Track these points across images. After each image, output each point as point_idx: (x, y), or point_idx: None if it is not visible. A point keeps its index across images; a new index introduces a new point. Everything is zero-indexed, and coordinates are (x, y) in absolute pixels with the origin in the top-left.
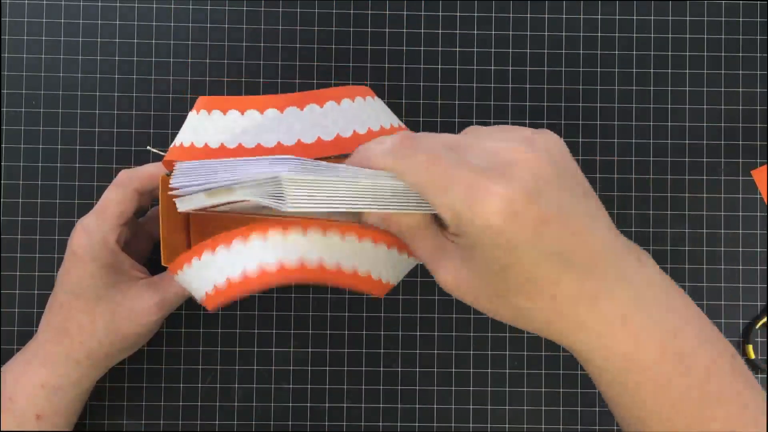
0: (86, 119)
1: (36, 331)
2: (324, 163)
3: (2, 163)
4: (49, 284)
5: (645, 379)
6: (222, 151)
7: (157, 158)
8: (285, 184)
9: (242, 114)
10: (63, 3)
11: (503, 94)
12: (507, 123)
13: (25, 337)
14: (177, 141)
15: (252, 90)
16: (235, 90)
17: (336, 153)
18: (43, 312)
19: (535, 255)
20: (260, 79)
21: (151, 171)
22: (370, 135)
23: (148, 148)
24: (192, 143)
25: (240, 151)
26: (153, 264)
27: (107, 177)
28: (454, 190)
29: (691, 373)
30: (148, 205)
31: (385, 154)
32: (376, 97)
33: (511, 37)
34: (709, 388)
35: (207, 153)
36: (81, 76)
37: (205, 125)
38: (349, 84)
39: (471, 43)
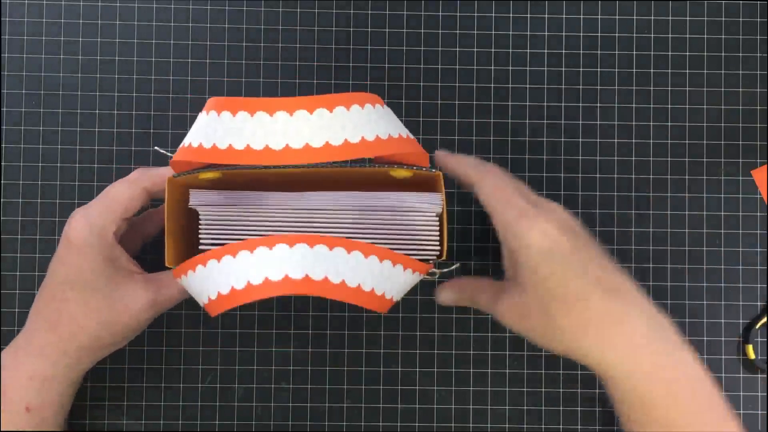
0: (86, 119)
1: None
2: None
3: (2, 163)
4: None
5: (661, 395)
6: (229, 153)
7: (161, 158)
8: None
9: (252, 116)
10: (63, 3)
11: (503, 94)
12: (507, 122)
13: None
14: (186, 141)
15: (251, 90)
16: (234, 90)
17: (343, 158)
18: None
19: (566, 271)
20: (260, 79)
21: (164, 173)
22: (378, 142)
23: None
24: (200, 144)
25: (248, 153)
26: (149, 264)
27: (107, 177)
28: (510, 211)
29: (696, 396)
30: (148, 206)
31: (472, 168)
32: (385, 106)
33: (511, 37)
34: (709, 416)
35: (215, 154)
36: (81, 76)
37: (214, 126)
38: (349, 84)
39: (471, 43)
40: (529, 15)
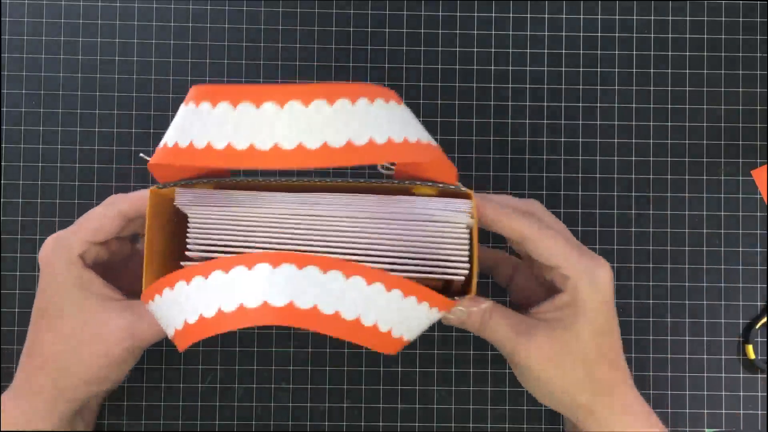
0: (86, 119)
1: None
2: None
3: (2, 163)
4: None
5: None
6: (208, 153)
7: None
8: (190, 223)
9: (234, 107)
10: (63, 3)
11: (503, 94)
12: (507, 122)
13: (25, 337)
14: (162, 141)
15: None
16: None
17: (345, 164)
18: None
19: (617, 331)
20: (260, 80)
21: (143, 194)
22: (391, 147)
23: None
24: (176, 143)
25: (229, 155)
26: None
27: (107, 177)
28: (581, 261)
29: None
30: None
31: (528, 222)
32: (402, 104)
33: (511, 37)
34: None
35: (191, 155)
36: (81, 76)
37: (191, 120)
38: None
39: (471, 43)
40: (529, 15)
